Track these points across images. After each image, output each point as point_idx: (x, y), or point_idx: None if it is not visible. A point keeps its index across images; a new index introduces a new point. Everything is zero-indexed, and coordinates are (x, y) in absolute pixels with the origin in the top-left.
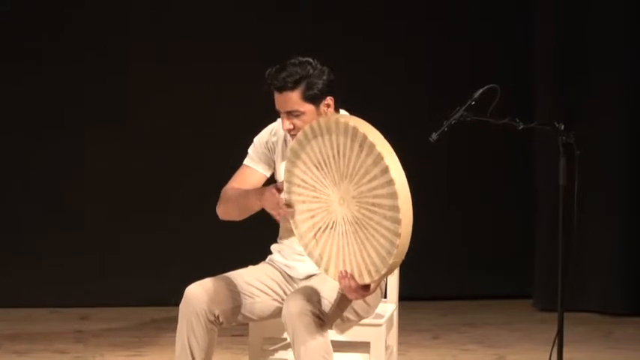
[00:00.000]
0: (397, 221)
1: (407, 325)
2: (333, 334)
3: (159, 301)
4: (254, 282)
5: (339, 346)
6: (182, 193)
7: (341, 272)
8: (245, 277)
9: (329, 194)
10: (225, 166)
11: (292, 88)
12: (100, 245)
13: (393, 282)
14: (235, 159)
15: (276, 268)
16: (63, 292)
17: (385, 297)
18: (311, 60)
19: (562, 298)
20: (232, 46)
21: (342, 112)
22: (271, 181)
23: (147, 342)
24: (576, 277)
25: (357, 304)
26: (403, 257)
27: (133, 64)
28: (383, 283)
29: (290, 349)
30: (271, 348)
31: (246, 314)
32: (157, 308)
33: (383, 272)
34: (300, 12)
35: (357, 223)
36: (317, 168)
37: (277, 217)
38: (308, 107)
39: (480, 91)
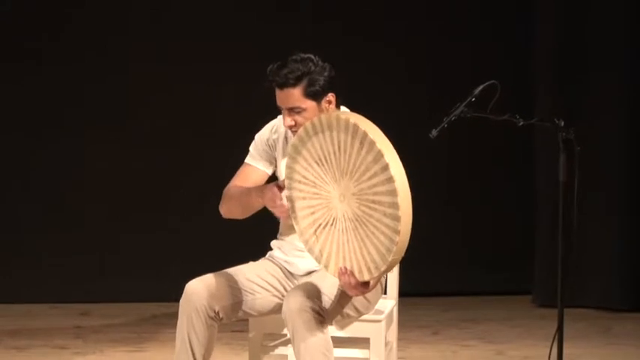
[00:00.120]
0: (397, 218)
1: (407, 321)
2: (332, 330)
3: (159, 298)
4: (254, 278)
5: (338, 342)
6: (182, 193)
7: (341, 269)
8: (245, 273)
9: (329, 191)
10: (225, 166)
11: (294, 85)
12: (100, 245)
13: (393, 278)
14: (235, 159)
15: (277, 264)
16: (63, 292)
17: (385, 293)
18: (312, 56)
19: (562, 294)
20: (232, 46)
21: (344, 108)
22: (273, 178)
23: (147, 338)
24: (576, 274)
25: (357, 301)
26: (403, 254)
27: (133, 64)
28: (383, 279)
29: (290, 345)
30: (271, 344)
31: (247, 310)
32: (157, 304)
33: (382, 269)
34: (300, 12)
35: (357, 220)
36: (318, 164)
37: (278, 215)
38: (309, 104)
39: (480, 87)
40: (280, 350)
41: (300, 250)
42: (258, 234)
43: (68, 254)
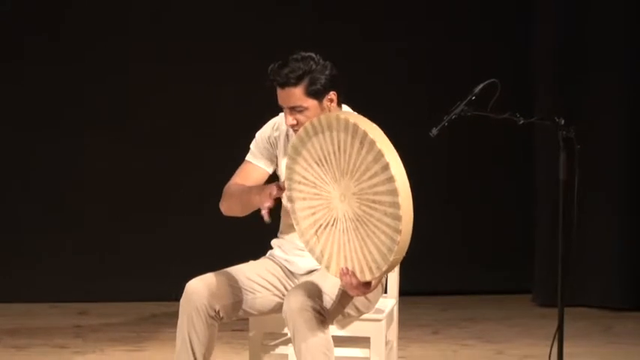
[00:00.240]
0: (398, 218)
1: (407, 320)
2: (333, 329)
3: (159, 298)
4: (255, 277)
5: (339, 341)
6: (182, 193)
7: (342, 269)
8: (246, 272)
9: (330, 191)
10: (225, 166)
11: (295, 84)
12: (100, 245)
13: (393, 277)
14: (235, 159)
15: (277, 263)
16: (62, 291)
17: (385, 292)
18: (313, 55)
19: (562, 292)
20: (232, 46)
21: (345, 107)
22: (274, 176)
23: (146, 337)
24: (576, 272)
25: (358, 300)
26: (404, 254)
27: (133, 64)
28: (383, 279)
29: (290, 344)
30: (272, 343)
31: (247, 309)
32: (157, 303)
33: (384, 269)
34: (300, 12)
35: (357, 219)
36: (318, 165)
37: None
38: (311, 102)
39: (481, 86)
40: (281, 349)
41: (300, 249)
42: (258, 233)
43: (68, 254)
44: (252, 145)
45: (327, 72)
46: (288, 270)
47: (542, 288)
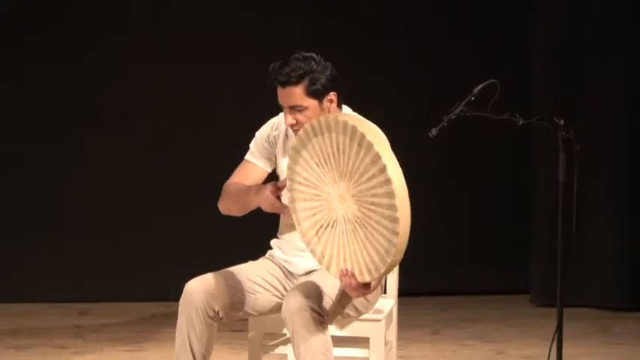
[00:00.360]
0: (395, 220)
1: (406, 320)
2: (332, 329)
3: (158, 298)
4: (254, 277)
5: (338, 342)
6: (182, 193)
7: (342, 270)
8: (245, 272)
9: (330, 192)
10: (225, 165)
11: (296, 83)
12: (100, 245)
13: (392, 277)
14: (235, 158)
15: (276, 264)
16: (62, 291)
17: (385, 292)
18: (314, 55)
19: (561, 293)
20: (232, 46)
21: (345, 107)
22: (273, 176)
23: (146, 337)
24: (576, 273)
25: (357, 300)
26: (402, 255)
27: (133, 64)
28: (382, 279)
29: (290, 345)
30: (271, 343)
31: (247, 310)
32: (157, 303)
33: (382, 271)
34: (300, 12)
35: (357, 221)
36: (318, 166)
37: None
38: (311, 102)
39: (480, 86)
40: (280, 350)
41: (299, 250)
42: (257, 233)
43: (68, 254)
44: (251, 145)
45: (327, 72)
46: (288, 270)
47: (542, 288)
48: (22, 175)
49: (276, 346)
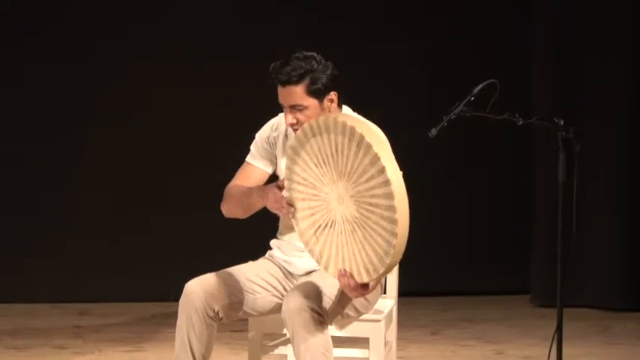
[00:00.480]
0: (394, 221)
1: (406, 320)
2: (332, 330)
3: (158, 298)
4: (254, 278)
5: (338, 342)
6: (182, 193)
7: (340, 271)
8: (245, 272)
9: (328, 192)
10: (225, 166)
11: (296, 82)
12: (100, 245)
13: (392, 278)
14: (236, 159)
15: (276, 264)
16: (62, 291)
17: (384, 292)
18: (315, 55)
19: (561, 293)
20: (232, 46)
21: (346, 108)
22: (274, 177)
23: (146, 337)
24: (576, 273)
25: (357, 301)
26: (401, 256)
27: (133, 64)
28: (382, 279)
29: (290, 345)
30: (271, 344)
31: (246, 310)
32: (157, 304)
33: (381, 271)
34: (300, 12)
35: (355, 222)
36: (316, 166)
37: (280, 214)
38: (311, 102)
39: (480, 86)
40: (280, 350)
41: (299, 250)
42: (257, 233)
43: (68, 254)
44: (252, 147)
45: (328, 72)
46: (287, 271)
47: (541, 289)
48: (22, 175)
49: (276, 346)
